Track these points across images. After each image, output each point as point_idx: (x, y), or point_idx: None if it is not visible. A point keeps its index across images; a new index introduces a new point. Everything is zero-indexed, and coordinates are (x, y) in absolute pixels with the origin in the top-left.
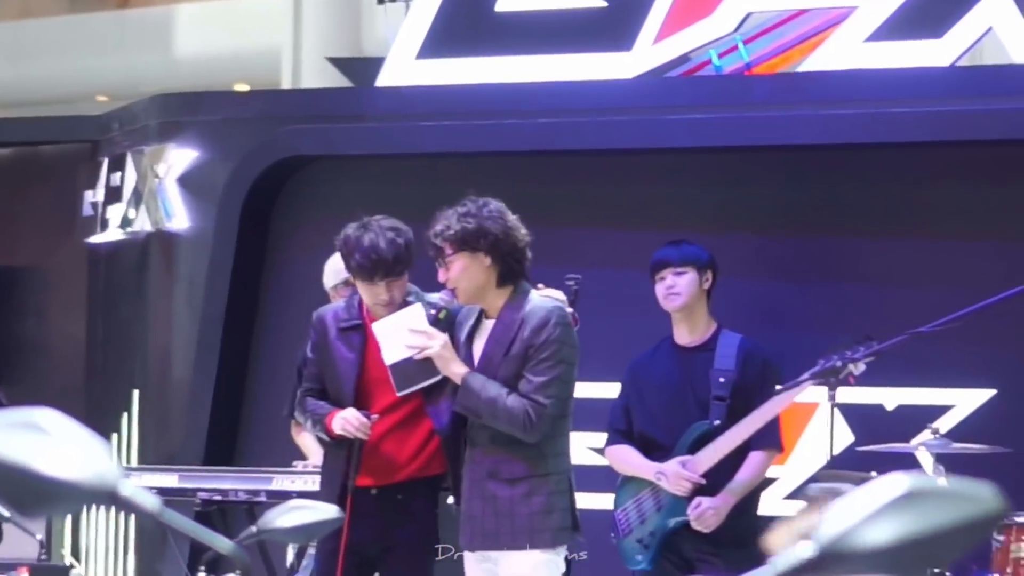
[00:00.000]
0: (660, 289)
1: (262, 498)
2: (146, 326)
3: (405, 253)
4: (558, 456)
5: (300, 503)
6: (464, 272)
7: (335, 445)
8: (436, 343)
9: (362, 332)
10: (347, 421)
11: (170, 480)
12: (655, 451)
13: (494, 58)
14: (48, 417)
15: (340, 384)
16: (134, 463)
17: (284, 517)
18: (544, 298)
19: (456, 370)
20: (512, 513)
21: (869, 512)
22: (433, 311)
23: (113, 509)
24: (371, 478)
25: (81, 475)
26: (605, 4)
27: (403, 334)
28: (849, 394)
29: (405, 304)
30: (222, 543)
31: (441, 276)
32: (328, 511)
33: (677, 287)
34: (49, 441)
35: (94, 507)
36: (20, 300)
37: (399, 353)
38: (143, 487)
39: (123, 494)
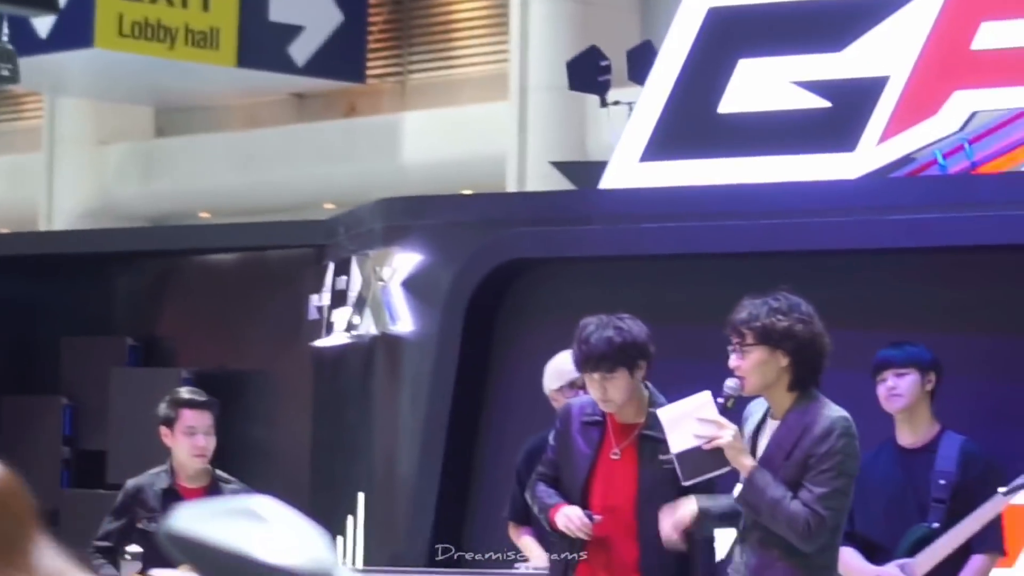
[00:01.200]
0: (882, 390)
1: None
2: (371, 429)
3: (618, 352)
4: (825, 568)
5: None
6: (758, 366)
7: (557, 539)
8: (728, 433)
9: (601, 428)
10: (570, 519)
11: None
12: (875, 553)
13: (717, 160)
14: (266, 504)
15: (572, 476)
16: (359, 565)
17: None
18: (833, 406)
19: (745, 463)
20: None
21: None
22: (722, 399)
23: None
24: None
25: (298, 561)
26: (829, 104)
27: (691, 422)
28: None
29: (649, 408)
30: None
31: (732, 362)
32: None
33: (899, 388)
34: (267, 528)
35: None
36: (248, 404)
37: (686, 442)
38: None
39: None
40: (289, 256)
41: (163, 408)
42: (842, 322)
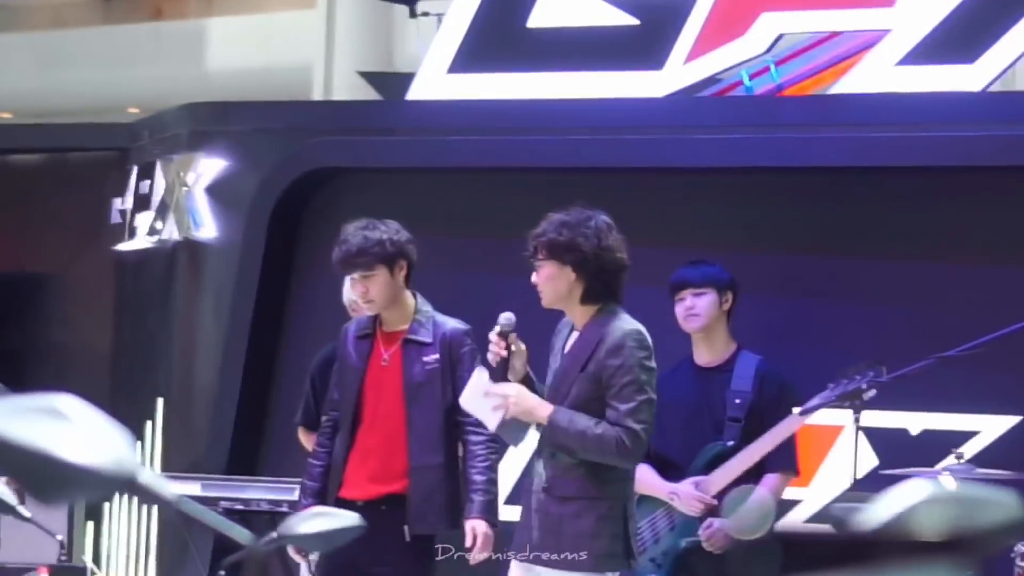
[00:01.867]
0: (679, 310)
1: (284, 508)
2: (172, 335)
3: (375, 247)
4: (615, 482)
5: (322, 510)
6: (549, 281)
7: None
8: (511, 400)
9: (371, 340)
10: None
11: (193, 488)
12: (670, 470)
13: (525, 74)
14: (68, 403)
15: (347, 389)
16: (157, 471)
17: (306, 524)
18: (627, 319)
19: (540, 413)
20: (559, 531)
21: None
22: (498, 328)
23: (134, 511)
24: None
25: (100, 461)
26: (638, 22)
27: (483, 400)
28: (874, 418)
29: (415, 316)
30: (240, 532)
31: (533, 278)
32: (349, 518)
33: (696, 308)
34: (69, 427)
35: (116, 509)
36: (46, 307)
37: (493, 417)
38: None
39: (142, 481)
40: (92, 159)
41: None
42: (645, 239)
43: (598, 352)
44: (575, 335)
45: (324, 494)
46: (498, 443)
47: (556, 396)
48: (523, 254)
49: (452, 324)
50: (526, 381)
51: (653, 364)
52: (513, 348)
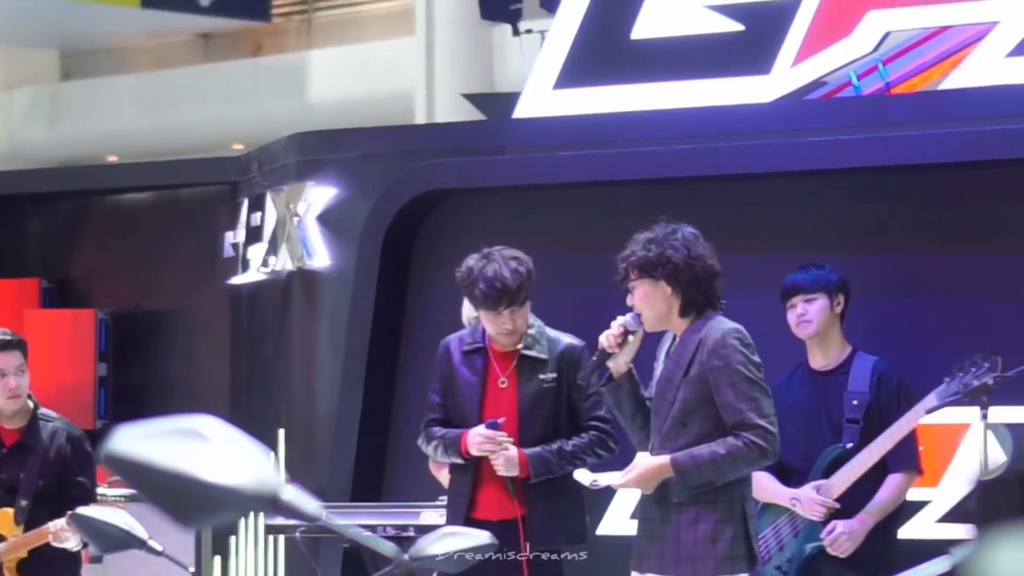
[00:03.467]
0: (792, 317)
1: (410, 533)
2: (290, 365)
3: (527, 282)
4: (730, 483)
5: (452, 530)
6: (645, 299)
7: (462, 476)
8: (633, 474)
9: (485, 355)
10: (482, 437)
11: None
12: (791, 476)
13: (631, 86)
14: (208, 423)
15: (464, 407)
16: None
17: (437, 544)
18: (725, 320)
19: (661, 463)
20: (677, 539)
21: None
22: (622, 320)
23: (261, 543)
24: (492, 512)
25: (243, 481)
26: (742, 28)
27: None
28: (1002, 414)
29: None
30: (386, 546)
31: (628, 301)
32: (480, 537)
33: (808, 314)
34: (210, 447)
35: (243, 542)
36: (165, 342)
37: (611, 480)
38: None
39: (285, 499)
40: (202, 194)
41: None
42: (758, 246)
43: (699, 354)
44: (676, 342)
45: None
46: (609, 449)
47: (662, 403)
48: (615, 278)
49: (567, 340)
50: (628, 379)
51: (758, 359)
52: (626, 344)
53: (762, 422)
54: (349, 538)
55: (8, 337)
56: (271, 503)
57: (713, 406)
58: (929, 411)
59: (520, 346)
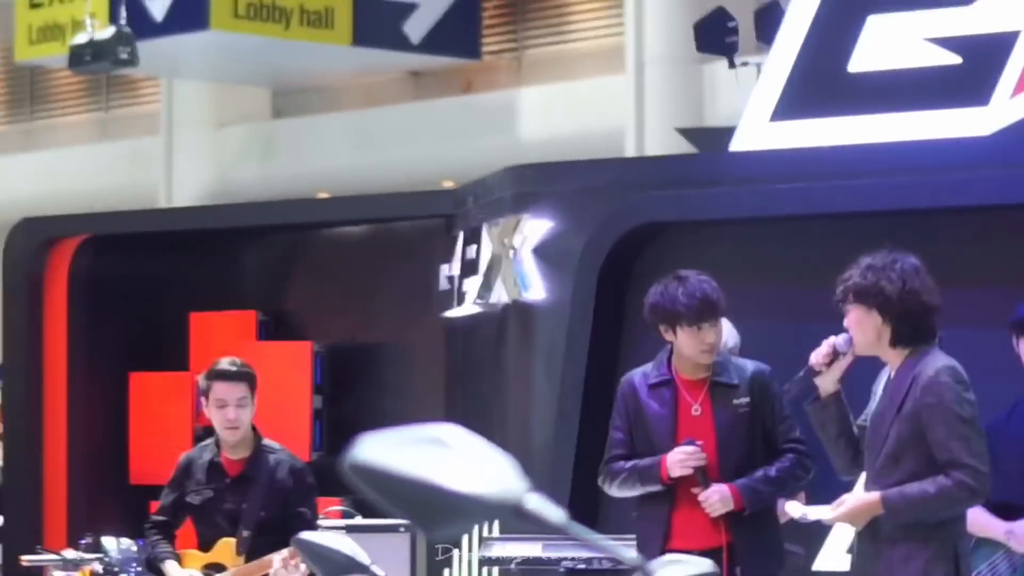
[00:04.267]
0: None
1: (624, 566)
2: (505, 399)
3: (722, 297)
4: (943, 520)
5: (677, 557)
6: (856, 325)
7: (654, 506)
8: (844, 508)
9: (673, 387)
10: (683, 455)
11: (534, 549)
12: (1013, 516)
13: (848, 118)
14: (452, 432)
15: (654, 441)
16: (495, 533)
17: (664, 570)
18: (941, 356)
19: (872, 505)
20: (888, 574)
21: None
22: (831, 347)
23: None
24: (692, 541)
25: (487, 489)
26: (960, 60)
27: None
28: None
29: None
30: (629, 555)
31: (844, 322)
32: (705, 565)
33: None
34: (454, 456)
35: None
36: (380, 376)
37: (821, 513)
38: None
39: (529, 507)
40: (418, 227)
41: (201, 380)
42: (978, 280)
43: (913, 391)
44: (891, 376)
45: None
46: (807, 470)
47: (876, 438)
48: (833, 299)
49: (754, 365)
50: (835, 400)
51: (972, 396)
52: (834, 363)
53: (973, 462)
54: (591, 546)
55: (232, 368)
56: (515, 511)
57: (926, 443)
58: None
59: (709, 374)
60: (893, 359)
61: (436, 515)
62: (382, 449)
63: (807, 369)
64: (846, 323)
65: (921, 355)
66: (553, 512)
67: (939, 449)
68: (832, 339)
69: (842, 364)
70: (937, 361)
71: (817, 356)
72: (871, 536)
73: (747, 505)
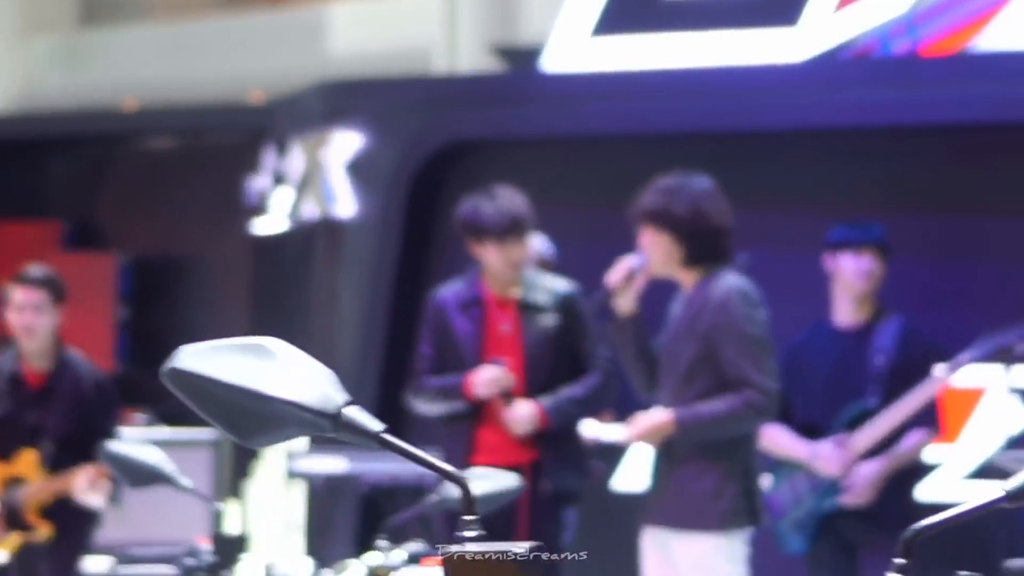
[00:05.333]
0: (855, 266)
1: (432, 481)
2: (312, 313)
3: (531, 213)
4: (732, 440)
5: (483, 472)
6: (649, 246)
7: (459, 422)
8: (635, 428)
9: (481, 305)
10: (486, 378)
11: (340, 464)
12: (812, 434)
13: (661, 35)
14: (274, 343)
15: (463, 360)
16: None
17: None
18: (731, 276)
19: (664, 424)
20: (681, 492)
21: None
22: (629, 260)
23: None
24: (495, 456)
25: (307, 398)
26: None
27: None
28: (1019, 377)
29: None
30: (444, 468)
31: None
32: (509, 480)
33: (875, 269)
34: (275, 365)
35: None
36: (186, 289)
37: (616, 434)
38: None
39: (347, 415)
40: (228, 141)
41: (7, 289)
42: (785, 203)
43: (705, 311)
44: (684, 297)
45: None
46: (614, 387)
47: (670, 358)
48: (628, 221)
49: (565, 285)
50: (633, 321)
51: (762, 315)
52: (629, 284)
53: (760, 380)
54: (408, 458)
55: (33, 275)
56: (333, 421)
57: (718, 362)
58: (953, 367)
59: (519, 293)
60: (686, 279)
61: (254, 423)
62: (202, 357)
63: (604, 289)
64: (641, 243)
65: (713, 275)
66: (372, 423)
67: (729, 367)
68: (626, 259)
69: (637, 284)
70: (728, 281)
71: (612, 276)
72: (666, 455)
73: (553, 423)
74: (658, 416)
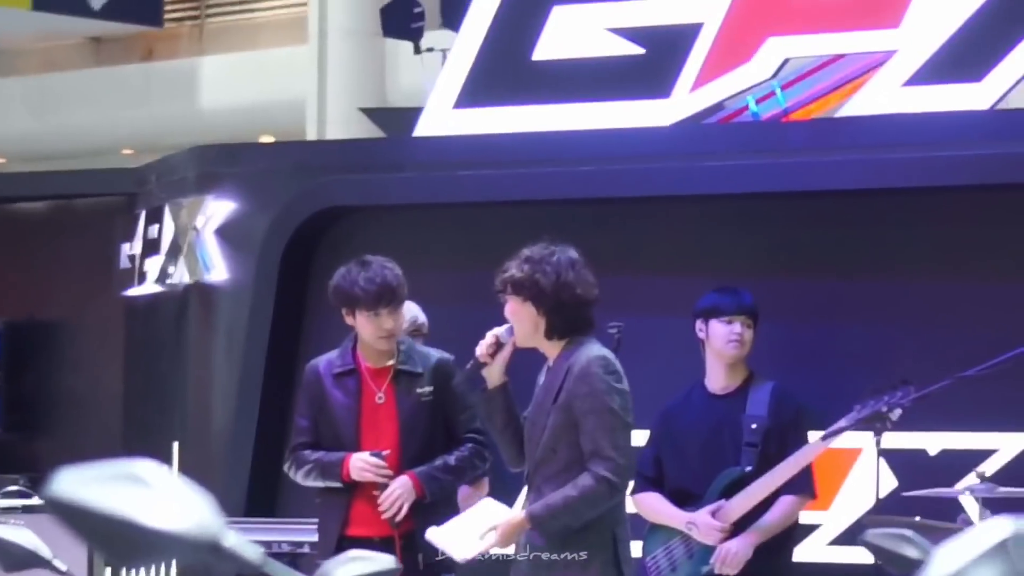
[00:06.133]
0: (726, 333)
1: (305, 550)
2: (185, 378)
3: (404, 284)
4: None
5: (358, 554)
6: (513, 317)
7: (334, 493)
8: (500, 539)
9: (356, 377)
10: (366, 464)
11: None
12: (688, 501)
13: (532, 107)
14: (148, 469)
15: (339, 431)
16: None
17: (343, 568)
18: (595, 346)
19: (519, 522)
20: (549, 564)
21: (976, 555)
22: (493, 339)
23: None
24: (369, 528)
25: (183, 526)
26: (643, 51)
27: (471, 531)
28: (892, 439)
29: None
30: None
31: (505, 313)
32: (385, 561)
33: (746, 336)
34: (150, 492)
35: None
36: (57, 353)
37: (471, 548)
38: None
39: (226, 545)
40: (99, 204)
41: None
42: (657, 269)
43: (567, 381)
44: (548, 367)
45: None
46: (484, 460)
47: (534, 428)
48: (494, 290)
49: (438, 354)
50: (502, 391)
51: (623, 386)
52: (497, 355)
53: (614, 455)
54: None
55: None
56: (212, 549)
57: (578, 432)
58: (827, 436)
59: (393, 362)
60: (550, 350)
61: (133, 551)
62: (79, 484)
63: (474, 361)
64: (506, 313)
65: (577, 346)
66: (251, 550)
67: (585, 439)
68: (495, 330)
69: (505, 354)
70: (591, 351)
71: (481, 348)
72: (533, 566)
73: (428, 494)
74: (511, 518)
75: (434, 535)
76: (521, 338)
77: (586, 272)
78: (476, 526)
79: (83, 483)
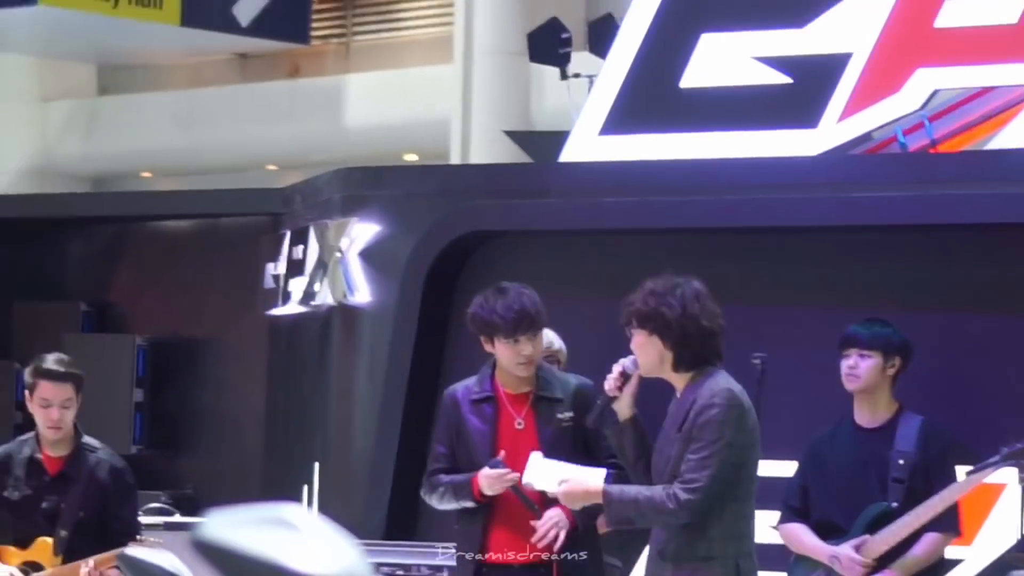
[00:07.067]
0: (843, 366)
1: (444, 574)
2: (327, 399)
3: (542, 309)
4: (725, 540)
5: None
6: (639, 349)
7: (472, 519)
8: (569, 480)
9: (494, 404)
10: (491, 477)
11: None
12: (833, 533)
13: (678, 134)
14: (296, 513)
15: (475, 457)
16: None
17: None
18: (722, 379)
19: (596, 488)
20: None
21: None
22: (621, 364)
23: None
24: (507, 553)
25: (332, 571)
26: (791, 81)
27: (560, 474)
28: None
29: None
30: None
31: (631, 346)
32: None
33: (858, 369)
34: (299, 536)
35: None
36: (200, 371)
37: (544, 484)
38: None
39: None
40: (244, 224)
41: (26, 374)
42: (803, 300)
43: (692, 413)
44: (676, 398)
45: None
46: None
47: (660, 459)
48: (619, 323)
49: (577, 380)
50: (632, 424)
51: (746, 421)
52: (625, 388)
53: (693, 476)
54: None
55: (59, 369)
56: None
57: None
58: (974, 472)
59: (532, 388)
60: (677, 382)
61: None
62: (228, 527)
63: (603, 397)
64: (632, 346)
65: (705, 377)
66: None
67: (684, 462)
68: (620, 362)
69: (632, 386)
70: (718, 383)
71: (609, 382)
72: (658, 555)
73: (579, 522)
74: (590, 482)
75: (535, 459)
76: (647, 369)
77: (711, 303)
78: (568, 473)
79: (232, 526)
